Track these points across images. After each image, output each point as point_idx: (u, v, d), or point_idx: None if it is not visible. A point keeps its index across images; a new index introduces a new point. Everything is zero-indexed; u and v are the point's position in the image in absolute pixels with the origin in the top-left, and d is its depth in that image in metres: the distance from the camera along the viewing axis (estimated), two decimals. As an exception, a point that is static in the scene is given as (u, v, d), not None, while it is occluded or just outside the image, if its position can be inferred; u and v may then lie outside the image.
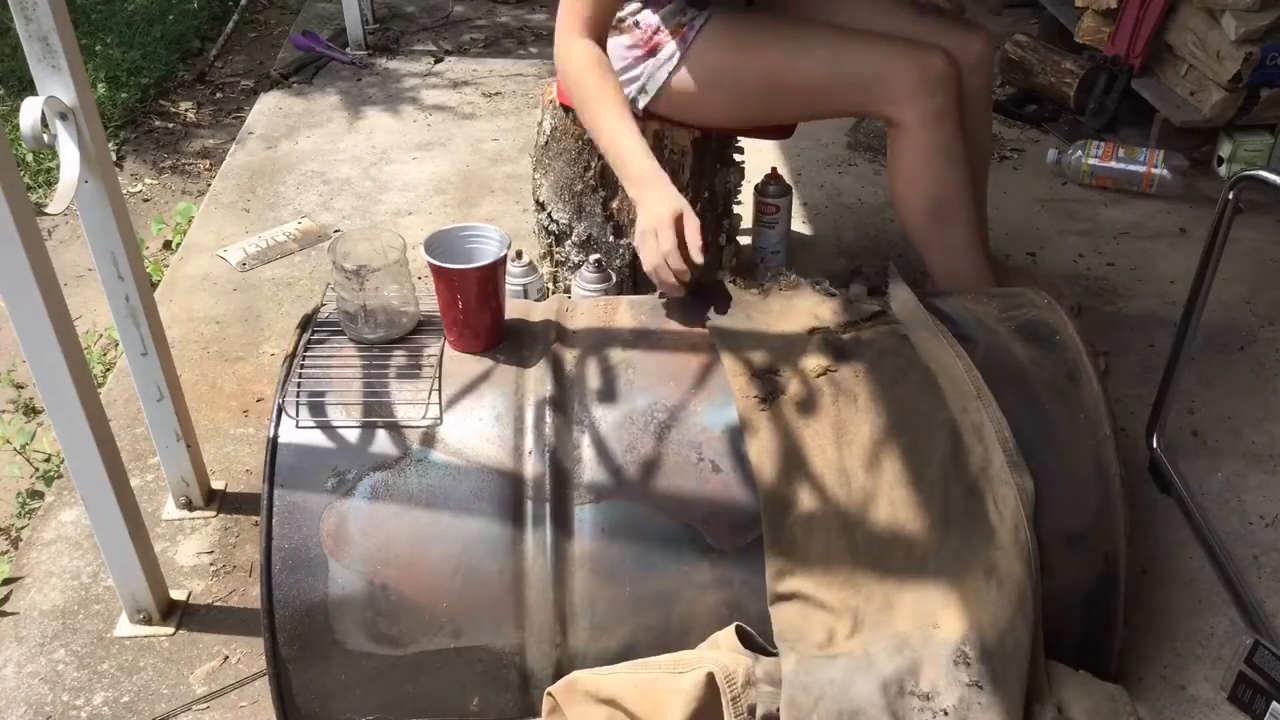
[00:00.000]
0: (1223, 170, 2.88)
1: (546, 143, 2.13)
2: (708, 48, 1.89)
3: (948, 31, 1.97)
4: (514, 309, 1.69)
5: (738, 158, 2.21)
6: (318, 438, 1.47)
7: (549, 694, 1.43)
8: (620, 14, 1.92)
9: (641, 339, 1.60)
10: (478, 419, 1.49)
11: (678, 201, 1.64)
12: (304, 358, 1.54)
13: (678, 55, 1.89)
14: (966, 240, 1.98)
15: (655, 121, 2.02)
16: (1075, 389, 1.54)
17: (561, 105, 2.07)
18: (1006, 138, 3.15)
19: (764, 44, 1.89)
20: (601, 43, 1.77)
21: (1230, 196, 1.69)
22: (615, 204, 2.13)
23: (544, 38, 3.87)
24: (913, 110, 1.85)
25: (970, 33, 1.99)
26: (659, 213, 1.63)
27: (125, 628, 1.69)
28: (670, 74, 1.90)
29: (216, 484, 1.94)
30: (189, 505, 1.89)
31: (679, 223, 1.62)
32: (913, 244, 2.02)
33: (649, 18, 1.91)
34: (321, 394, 1.50)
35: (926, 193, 1.93)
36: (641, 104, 1.94)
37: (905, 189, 1.95)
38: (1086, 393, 1.53)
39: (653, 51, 1.91)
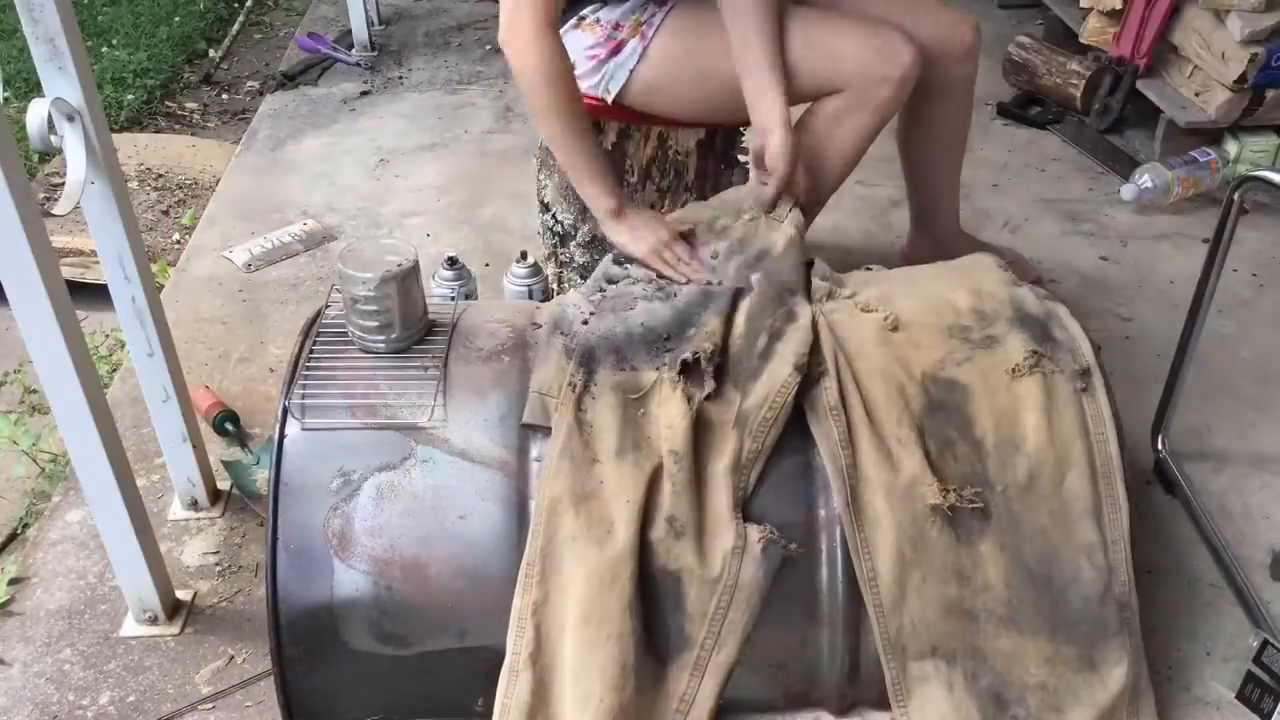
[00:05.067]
0: (1228, 171, 2.87)
1: (551, 144, 2.14)
2: (669, 39, 1.90)
3: (938, 20, 1.97)
4: (520, 310, 1.69)
5: (741, 158, 2.21)
6: (323, 439, 1.48)
7: None
8: (581, 12, 1.94)
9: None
10: (482, 420, 1.49)
11: (663, 226, 1.75)
12: (309, 359, 1.54)
13: (639, 51, 1.90)
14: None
15: (660, 125, 2.03)
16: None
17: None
18: (1010, 140, 3.15)
19: (721, 34, 1.87)
20: (554, 28, 1.74)
21: (1235, 197, 1.68)
22: (620, 205, 2.13)
23: (549, 39, 3.87)
24: (860, 90, 1.85)
25: (961, 22, 1.99)
26: (654, 241, 1.73)
27: (131, 627, 1.69)
28: (632, 70, 1.91)
29: (222, 484, 1.94)
30: (194, 505, 1.89)
31: (669, 246, 1.72)
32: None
33: (609, 14, 1.93)
34: (326, 395, 1.50)
35: (823, 141, 1.93)
36: (610, 98, 1.95)
37: (808, 130, 1.93)
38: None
39: (615, 51, 1.91)
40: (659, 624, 1.42)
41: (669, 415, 1.45)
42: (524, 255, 2.13)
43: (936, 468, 1.45)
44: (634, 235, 1.75)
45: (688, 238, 1.75)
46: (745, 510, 1.44)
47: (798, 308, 1.59)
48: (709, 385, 1.47)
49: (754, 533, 1.42)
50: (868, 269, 1.78)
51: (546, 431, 1.47)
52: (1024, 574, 1.43)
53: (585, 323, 1.56)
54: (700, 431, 1.46)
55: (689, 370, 1.49)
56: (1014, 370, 1.51)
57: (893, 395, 1.49)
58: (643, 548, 1.40)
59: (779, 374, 1.47)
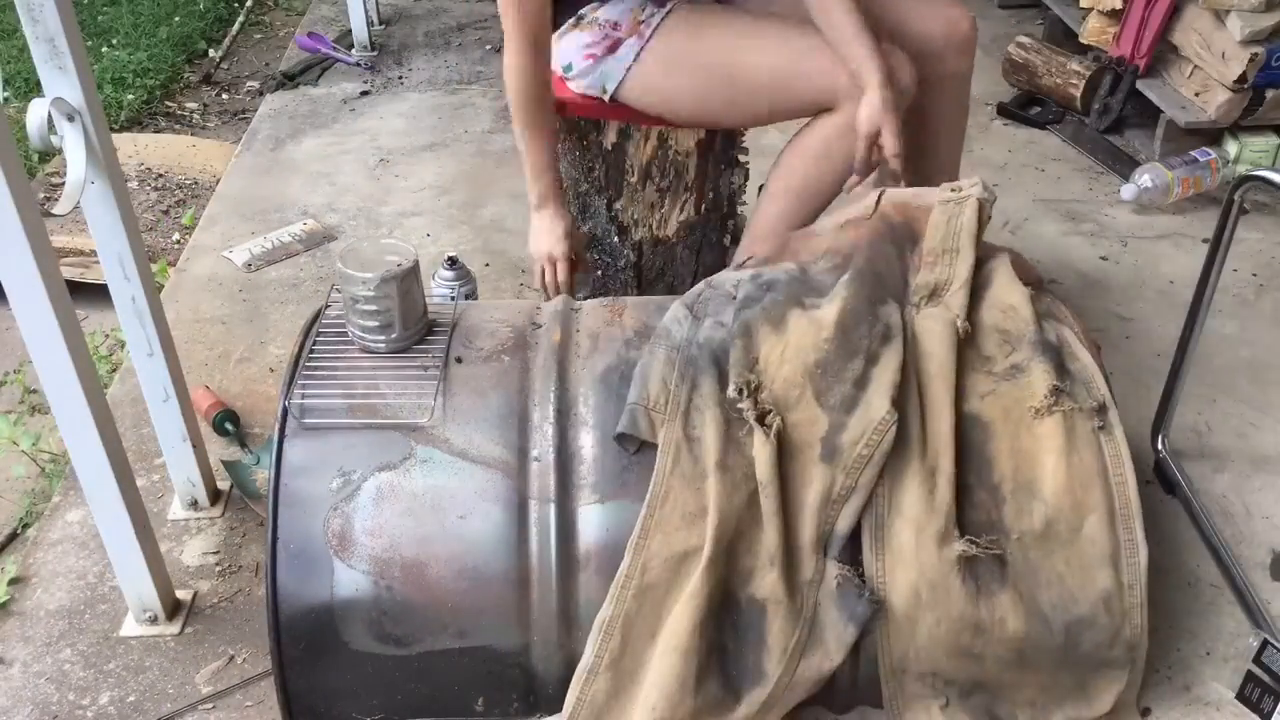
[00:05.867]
0: (1228, 171, 2.87)
1: (551, 144, 2.13)
2: (667, 40, 1.90)
3: (935, 12, 1.97)
4: (520, 309, 1.69)
5: (742, 159, 2.21)
6: (323, 438, 1.48)
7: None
8: (580, 11, 1.94)
9: (646, 339, 1.60)
10: (482, 419, 1.49)
11: (560, 243, 1.94)
12: (309, 359, 1.54)
13: (637, 50, 1.90)
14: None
15: (659, 125, 2.03)
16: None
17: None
18: (1010, 140, 3.15)
19: (720, 35, 1.87)
20: (541, 52, 1.85)
21: (1235, 197, 1.68)
22: (620, 204, 2.13)
23: (549, 39, 3.87)
24: (850, 108, 1.83)
25: (958, 14, 1.99)
26: (536, 250, 1.97)
27: (131, 627, 1.69)
28: (629, 68, 1.91)
29: (222, 484, 1.94)
30: (195, 505, 1.89)
31: (551, 263, 1.95)
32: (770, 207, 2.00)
33: (608, 13, 1.93)
34: (326, 395, 1.50)
35: (811, 174, 1.92)
36: (607, 96, 1.95)
37: (798, 159, 1.93)
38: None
39: (612, 49, 1.91)
40: (738, 653, 1.41)
41: (755, 442, 1.43)
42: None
43: (959, 512, 1.43)
44: (534, 231, 1.97)
45: (576, 264, 1.97)
46: (826, 546, 1.43)
47: (893, 321, 1.51)
48: (770, 421, 1.43)
49: (832, 569, 1.41)
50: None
51: (636, 443, 1.46)
52: (1039, 622, 1.41)
53: (686, 333, 1.55)
54: (785, 456, 1.42)
55: (755, 396, 1.45)
56: (1036, 411, 1.46)
57: (950, 431, 1.45)
58: (732, 573, 1.40)
59: (876, 410, 1.41)
